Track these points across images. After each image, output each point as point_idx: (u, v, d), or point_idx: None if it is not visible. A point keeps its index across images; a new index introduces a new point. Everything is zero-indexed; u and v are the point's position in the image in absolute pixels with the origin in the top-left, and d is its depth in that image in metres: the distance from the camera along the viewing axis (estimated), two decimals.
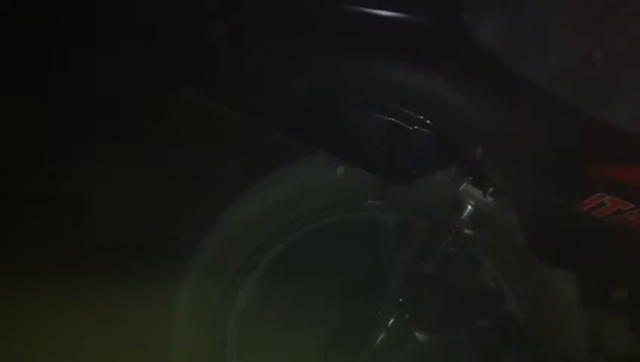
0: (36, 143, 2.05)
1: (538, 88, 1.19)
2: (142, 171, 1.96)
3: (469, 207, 1.24)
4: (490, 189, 1.23)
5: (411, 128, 1.17)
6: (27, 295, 1.71)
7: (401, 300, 1.28)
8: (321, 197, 1.35)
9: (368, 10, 1.15)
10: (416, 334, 1.32)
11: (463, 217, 1.24)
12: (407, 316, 1.29)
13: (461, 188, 1.24)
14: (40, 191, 1.98)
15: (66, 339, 1.67)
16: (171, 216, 1.85)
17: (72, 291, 1.72)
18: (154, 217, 1.87)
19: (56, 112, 2.09)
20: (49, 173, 2.00)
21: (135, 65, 1.26)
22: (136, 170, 1.95)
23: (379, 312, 1.31)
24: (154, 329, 1.61)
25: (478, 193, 1.24)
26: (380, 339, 1.30)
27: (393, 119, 1.17)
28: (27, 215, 1.92)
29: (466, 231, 1.25)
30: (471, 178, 1.24)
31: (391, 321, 1.29)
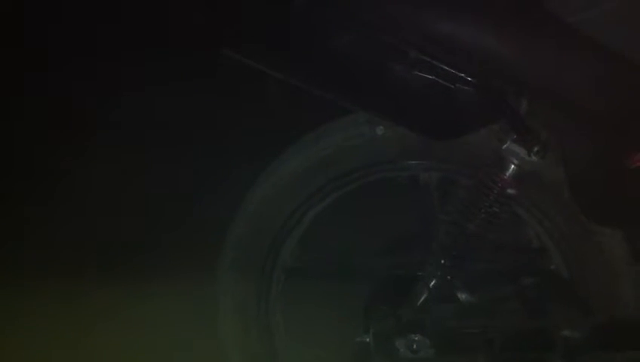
0: (36, 143, 2.07)
1: (588, 36, 1.15)
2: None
3: (513, 165, 1.21)
4: (536, 148, 1.20)
5: (452, 86, 1.14)
6: (27, 294, 1.76)
7: (442, 261, 1.27)
8: (362, 155, 1.33)
9: None
10: (459, 293, 1.31)
11: (506, 176, 1.22)
12: (449, 276, 1.28)
13: (504, 146, 1.21)
14: (40, 191, 2.00)
15: (66, 338, 1.71)
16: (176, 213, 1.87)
17: (72, 290, 1.75)
18: (155, 216, 1.90)
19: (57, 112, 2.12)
20: (49, 173, 2.02)
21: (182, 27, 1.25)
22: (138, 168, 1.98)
23: (420, 272, 1.31)
24: (154, 327, 1.65)
25: (522, 151, 1.20)
26: (421, 299, 1.29)
27: (434, 77, 1.14)
28: (27, 215, 1.95)
29: (510, 190, 1.22)
30: (514, 136, 1.21)
31: (432, 282, 1.28)
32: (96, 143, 2.13)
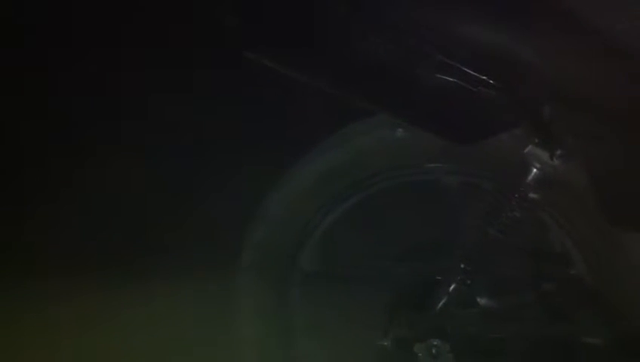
0: (36, 143, 2.08)
1: (614, 41, 1.13)
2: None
3: (535, 169, 1.20)
4: (558, 151, 1.18)
5: (474, 89, 1.13)
6: (27, 294, 1.75)
7: (463, 266, 1.26)
8: (382, 159, 1.33)
9: None
10: (479, 299, 1.30)
11: (528, 180, 1.21)
12: (469, 281, 1.27)
13: (527, 150, 1.20)
14: (40, 191, 2.01)
15: (67, 338, 1.71)
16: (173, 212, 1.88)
17: (73, 290, 1.76)
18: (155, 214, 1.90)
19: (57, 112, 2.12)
20: (49, 172, 2.03)
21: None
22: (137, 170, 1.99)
23: (441, 277, 1.30)
24: (154, 327, 1.65)
25: (544, 155, 1.19)
26: (440, 304, 1.28)
27: (456, 80, 1.13)
28: (27, 215, 1.96)
29: (532, 194, 1.21)
30: (537, 139, 1.20)
31: (452, 286, 1.27)
32: (96, 143, 2.14)
